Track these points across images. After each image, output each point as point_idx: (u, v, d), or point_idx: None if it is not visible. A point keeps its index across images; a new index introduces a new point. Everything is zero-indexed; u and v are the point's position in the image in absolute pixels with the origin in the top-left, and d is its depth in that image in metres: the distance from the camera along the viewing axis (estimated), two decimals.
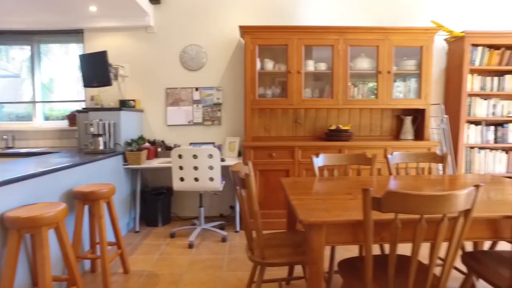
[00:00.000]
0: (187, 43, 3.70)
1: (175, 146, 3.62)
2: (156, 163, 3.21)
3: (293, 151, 3.16)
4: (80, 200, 2.16)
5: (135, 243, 3.03)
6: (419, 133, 3.53)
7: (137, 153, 3.17)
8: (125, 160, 3.22)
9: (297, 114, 3.64)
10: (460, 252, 2.35)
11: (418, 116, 3.54)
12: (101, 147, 3.03)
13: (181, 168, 2.92)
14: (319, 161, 2.25)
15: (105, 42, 3.71)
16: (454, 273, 2.42)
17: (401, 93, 3.53)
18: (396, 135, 3.71)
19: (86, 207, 2.39)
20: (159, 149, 3.59)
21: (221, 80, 3.72)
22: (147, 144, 3.51)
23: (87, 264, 2.50)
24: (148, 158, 3.43)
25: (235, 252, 2.80)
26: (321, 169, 2.30)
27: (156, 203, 3.45)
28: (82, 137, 3.35)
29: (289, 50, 3.23)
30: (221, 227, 3.35)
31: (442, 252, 2.25)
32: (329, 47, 3.29)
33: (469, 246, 2.57)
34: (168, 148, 3.60)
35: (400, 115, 3.69)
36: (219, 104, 3.72)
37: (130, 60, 3.73)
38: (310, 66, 3.37)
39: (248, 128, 3.28)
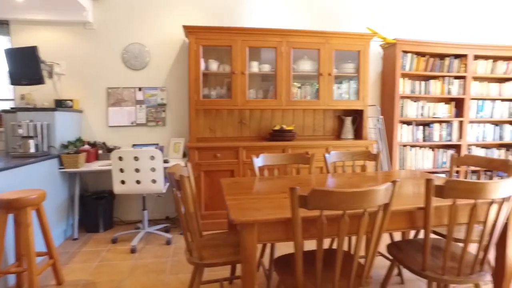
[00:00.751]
0: (129, 41, 3.57)
1: (115, 148, 3.48)
2: (96, 166, 3.06)
3: (237, 151, 3.19)
4: (3, 208, 1.98)
5: (72, 251, 2.86)
6: (358, 133, 3.75)
7: (75, 156, 2.99)
8: (61, 163, 3.02)
9: (242, 114, 3.68)
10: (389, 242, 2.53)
11: (357, 116, 3.76)
12: (32, 150, 2.82)
13: (121, 170, 2.81)
14: (259, 161, 2.31)
15: (37, 36, 3.43)
16: (384, 261, 2.62)
17: (342, 94, 3.72)
18: (338, 134, 3.91)
19: (11, 216, 2.21)
20: (100, 151, 3.42)
21: (165, 80, 3.64)
22: (86, 146, 3.33)
23: (11, 279, 2.30)
24: (88, 161, 3.26)
25: (180, 255, 2.76)
26: (261, 169, 2.36)
27: (97, 207, 3.28)
28: (10, 139, 3.08)
29: (233, 51, 3.25)
30: (166, 230, 3.28)
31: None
32: (272, 49, 3.37)
33: (398, 236, 2.80)
34: (109, 150, 3.44)
35: (341, 115, 3.90)
36: (163, 105, 3.63)
37: (67, 57, 3.50)
38: (255, 67, 3.42)
39: (193, 129, 3.25)
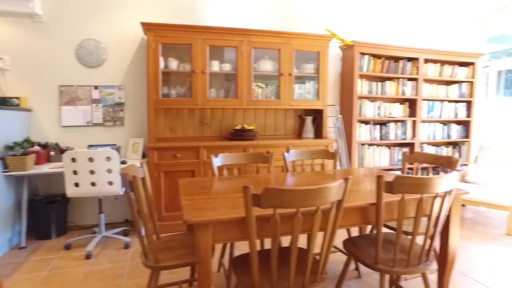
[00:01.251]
0: (84, 37, 3.39)
1: (69, 149, 3.29)
2: (47, 168, 2.87)
3: (198, 151, 3.14)
4: None
5: (18, 261, 2.66)
6: (318, 132, 3.84)
7: (21, 157, 2.79)
8: (6, 166, 2.80)
9: (203, 114, 3.63)
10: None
11: (318, 116, 3.85)
12: None
13: (75, 172, 2.66)
14: (217, 161, 2.28)
15: None
16: (342, 257, 2.71)
17: (302, 94, 3.79)
18: (299, 133, 3.98)
19: None
20: (52, 153, 3.22)
21: (123, 79, 3.50)
22: (36, 148, 3.12)
23: None
24: (38, 163, 3.05)
25: (138, 258, 2.67)
26: (220, 168, 2.34)
27: (49, 212, 3.09)
28: None
29: (194, 49, 3.20)
30: (125, 233, 3.16)
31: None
32: (233, 48, 3.36)
33: (356, 232, 2.90)
34: (62, 152, 3.24)
35: (302, 115, 3.97)
36: (121, 104, 3.49)
37: (12, 51, 3.25)
38: (215, 66, 3.39)
39: (152, 129, 3.16)
